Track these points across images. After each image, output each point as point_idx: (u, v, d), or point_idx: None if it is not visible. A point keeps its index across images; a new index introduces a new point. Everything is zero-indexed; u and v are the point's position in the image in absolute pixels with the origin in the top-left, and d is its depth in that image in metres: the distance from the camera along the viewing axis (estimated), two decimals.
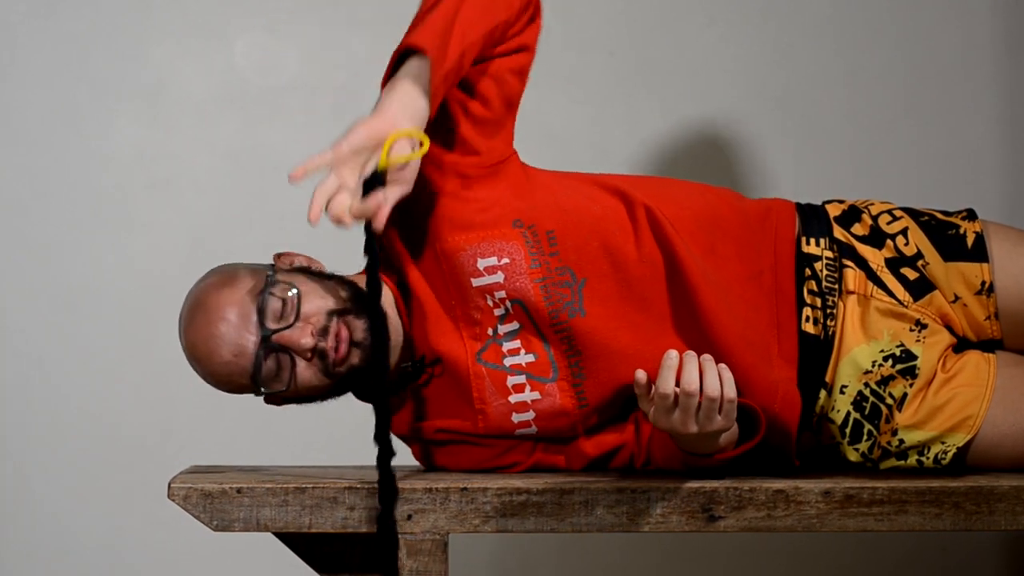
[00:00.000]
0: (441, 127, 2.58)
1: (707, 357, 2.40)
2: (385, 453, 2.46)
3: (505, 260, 2.59)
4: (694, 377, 2.38)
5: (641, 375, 2.39)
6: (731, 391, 2.40)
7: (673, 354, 2.39)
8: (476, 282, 2.60)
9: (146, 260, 3.75)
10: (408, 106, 2.43)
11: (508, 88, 2.61)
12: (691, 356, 2.40)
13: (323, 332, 2.54)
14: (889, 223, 2.73)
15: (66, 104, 3.74)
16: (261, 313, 2.53)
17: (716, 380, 2.39)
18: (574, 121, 3.81)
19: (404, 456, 2.82)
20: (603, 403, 2.64)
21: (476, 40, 2.50)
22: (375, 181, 2.38)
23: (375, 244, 2.50)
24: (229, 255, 3.72)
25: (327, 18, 3.78)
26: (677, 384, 2.38)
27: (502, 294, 2.60)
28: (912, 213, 2.76)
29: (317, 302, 2.55)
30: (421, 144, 2.41)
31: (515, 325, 2.62)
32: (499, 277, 2.60)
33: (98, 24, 3.74)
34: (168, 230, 3.75)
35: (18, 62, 3.73)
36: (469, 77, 2.57)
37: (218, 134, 3.77)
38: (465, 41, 2.47)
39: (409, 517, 2.49)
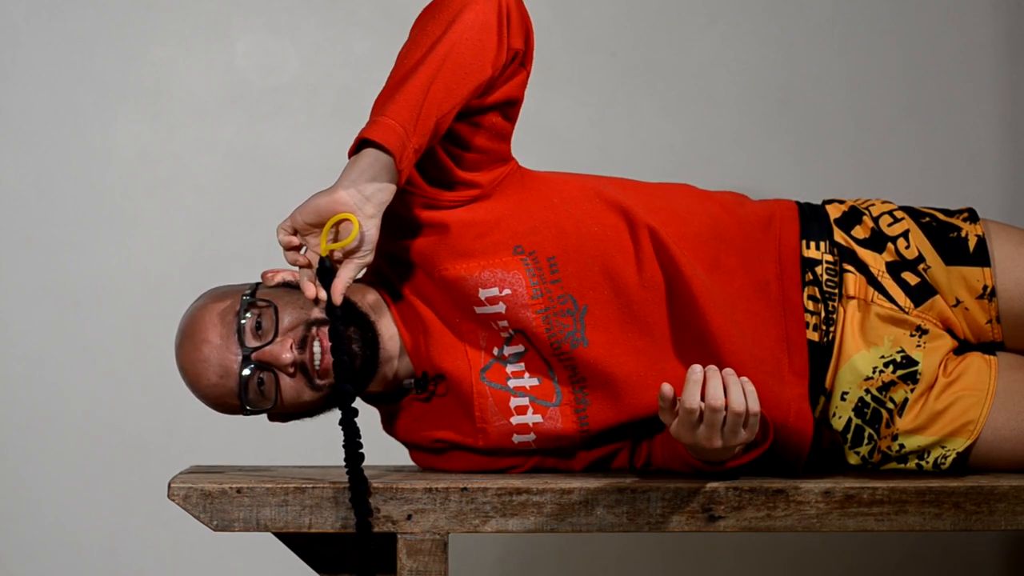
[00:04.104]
0: (437, 171, 2.59)
1: (729, 371, 2.39)
2: (355, 459, 2.47)
3: (507, 291, 2.58)
4: (720, 392, 2.37)
5: (667, 389, 2.38)
6: (755, 404, 2.39)
7: (697, 368, 2.38)
8: (479, 310, 2.60)
9: (148, 260, 3.75)
10: (363, 188, 2.45)
11: (499, 129, 2.61)
12: (714, 371, 2.39)
13: (302, 344, 2.54)
14: (890, 225, 2.72)
15: (68, 104, 3.74)
16: (240, 332, 2.53)
17: (741, 394, 2.38)
18: (576, 122, 3.81)
19: (404, 457, 2.82)
20: (605, 427, 2.64)
21: (454, 107, 2.49)
22: (324, 267, 2.49)
23: (336, 313, 2.51)
24: (231, 255, 3.73)
25: (327, 18, 3.78)
26: (702, 398, 2.38)
27: (504, 323, 2.60)
28: (913, 214, 2.75)
29: (295, 314, 2.55)
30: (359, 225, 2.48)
31: (520, 348, 2.62)
32: (501, 308, 2.59)
33: (100, 25, 3.74)
34: (170, 230, 3.75)
35: (20, 62, 3.73)
36: (457, 131, 2.57)
37: (219, 134, 3.78)
38: (441, 110, 2.47)
39: (409, 517, 2.49)
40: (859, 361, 2.64)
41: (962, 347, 2.72)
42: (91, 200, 3.75)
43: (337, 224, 2.46)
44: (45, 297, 3.74)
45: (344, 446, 2.47)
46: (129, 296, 3.75)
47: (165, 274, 3.74)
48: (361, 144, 2.46)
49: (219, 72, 3.78)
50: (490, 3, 2.52)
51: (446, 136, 2.56)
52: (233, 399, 2.55)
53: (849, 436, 2.65)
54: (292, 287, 2.59)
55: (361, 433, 2.48)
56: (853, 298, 2.67)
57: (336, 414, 2.53)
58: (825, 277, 2.67)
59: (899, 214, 2.74)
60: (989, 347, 2.73)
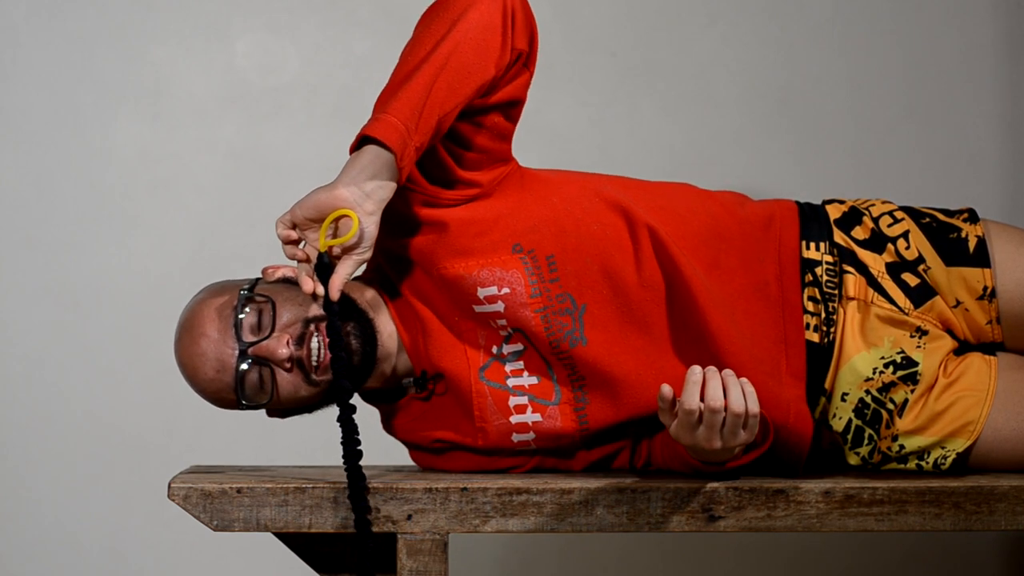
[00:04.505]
0: (437, 169, 2.59)
1: (729, 372, 2.39)
2: (353, 455, 2.47)
3: (505, 290, 2.58)
4: (719, 393, 2.37)
5: (667, 390, 2.38)
6: (754, 405, 2.39)
7: (697, 369, 2.38)
8: (478, 309, 2.60)
9: (148, 260, 3.75)
10: (363, 185, 2.45)
11: (501, 129, 2.61)
12: (714, 372, 2.38)
13: (300, 340, 2.54)
14: (890, 225, 2.72)
15: (68, 104, 3.74)
16: (237, 327, 2.53)
17: (741, 395, 2.38)
18: (576, 121, 3.81)
19: (404, 457, 2.82)
20: (605, 426, 2.63)
21: (456, 106, 2.49)
22: (322, 262, 2.48)
23: (334, 308, 2.50)
24: (230, 255, 3.73)
25: (327, 18, 3.78)
26: (701, 399, 2.38)
27: (503, 322, 2.60)
28: (913, 214, 2.75)
29: (295, 310, 2.55)
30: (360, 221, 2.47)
31: (519, 347, 2.62)
32: (500, 307, 2.59)
33: (100, 24, 3.74)
34: (170, 230, 3.75)
35: (20, 62, 3.73)
36: (459, 130, 2.57)
37: (219, 134, 3.78)
38: (443, 109, 2.47)
39: (409, 517, 2.49)
40: (859, 362, 2.64)
41: (962, 348, 2.72)
42: (91, 200, 3.75)
43: (336, 220, 2.47)
44: (45, 297, 3.74)
45: (342, 443, 2.47)
46: (129, 296, 3.75)
47: (165, 274, 3.74)
48: (363, 141, 2.46)
49: (219, 72, 3.78)
50: (495, 3, 2.52)
51: (447, 135, 2.56)
52: (230, 393, 2.55)
53: (849, 437, 2.65)
54: (292, 283, 2.59)
55: (360, 431, 2.48)
56: (853, 299, 2.67)
57: (336, 412, 2.53)
58: (825, 278, 2.67)
59: (899, 214, 2.74)
60: (989, 347, 2.73)
